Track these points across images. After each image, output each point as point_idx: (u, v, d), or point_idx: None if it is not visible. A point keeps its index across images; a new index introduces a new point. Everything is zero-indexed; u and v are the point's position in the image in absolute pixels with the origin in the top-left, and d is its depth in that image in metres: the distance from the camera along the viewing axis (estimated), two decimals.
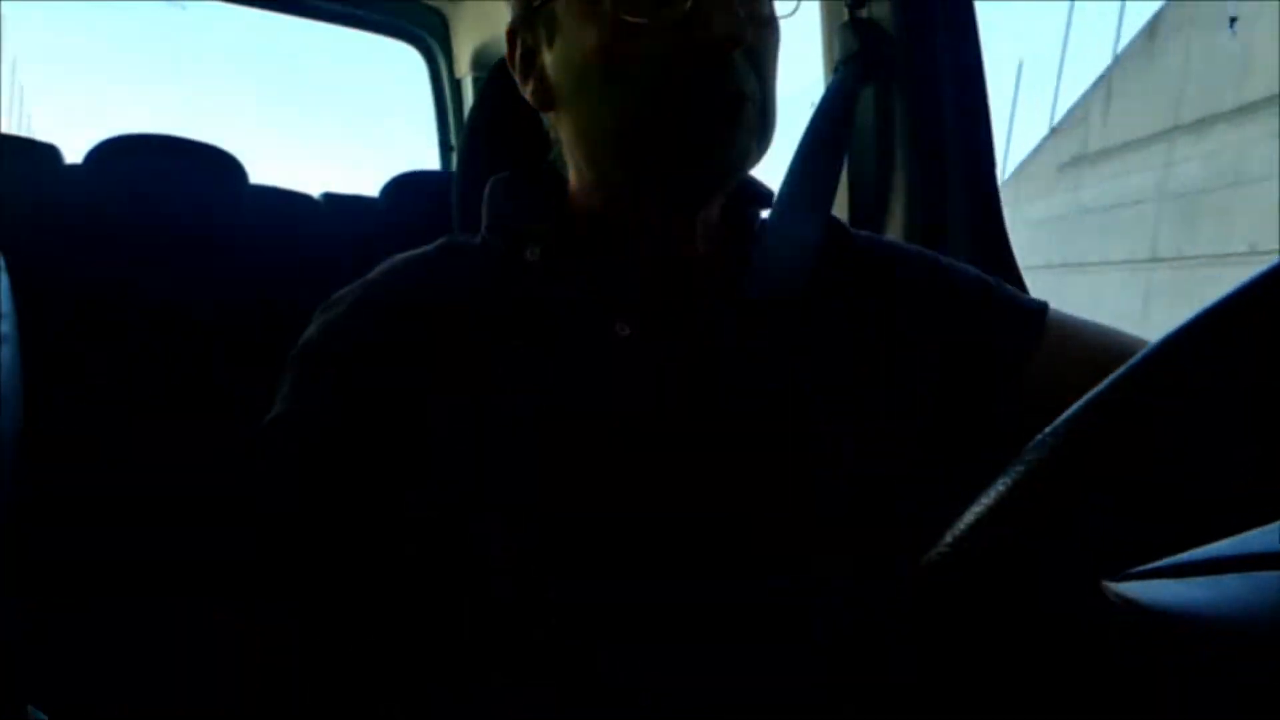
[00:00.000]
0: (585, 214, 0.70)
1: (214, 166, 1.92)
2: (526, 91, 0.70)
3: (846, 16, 1.17)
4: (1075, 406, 0.25)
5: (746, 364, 0.67)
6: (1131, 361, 0.24)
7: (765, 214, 0.77)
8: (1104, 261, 7.66)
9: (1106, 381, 0.25)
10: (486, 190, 0.72)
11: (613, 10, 0.61)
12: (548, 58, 0.68)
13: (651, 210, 0.68)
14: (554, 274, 0.67)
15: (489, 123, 0.87)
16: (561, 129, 0.70)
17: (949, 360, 0.75)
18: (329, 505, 0.62)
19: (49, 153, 1.81)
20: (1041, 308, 0.76)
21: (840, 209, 1.26)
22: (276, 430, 0.65)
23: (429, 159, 2.47)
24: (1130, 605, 0.27)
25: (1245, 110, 6.06)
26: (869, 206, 1.23)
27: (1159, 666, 0.26)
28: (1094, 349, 0.73)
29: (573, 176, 0.71)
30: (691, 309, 0.69)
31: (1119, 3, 8.62)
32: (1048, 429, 0.25)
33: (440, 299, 0.66)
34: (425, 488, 0.61)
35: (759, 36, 0.63)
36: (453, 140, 2.42)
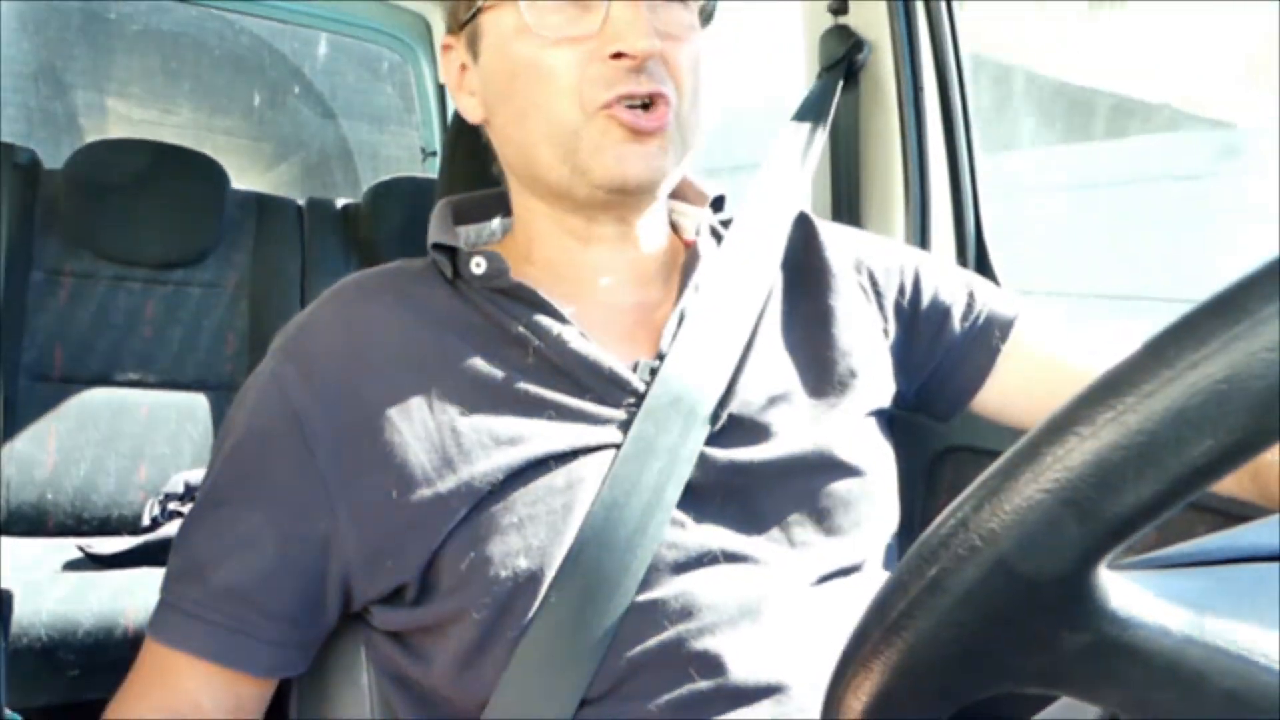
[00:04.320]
0: (525, 226, 0.72)
1: (196, 171, 1.91)
2: (460, 105, 0.73)
3: (830, 23, 1.18)
4: (1047, 418, 0.25)
5: (700, 359, 0.67)
6: (1095, 379, 0.25)
7: (716, 216, 0.78)
8: None
9: (1072, 397, 0.25)
10: (433, 213, 0.73)
11: (529, 25, 0.64)
12: (475, 72, 0.70)
13: (587, 218, 0.69)
14: (500, 285, 0.67)
15: (470, 128, 0.87)
16: (494, 141, 0.72)
17: (914, 351, 0.76)
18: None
19: (28, 158, 1.79)
20: (1012, 312, 0.76)
21: (823, 215, 1.26)
22: (225, 470, 0.66)
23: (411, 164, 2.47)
24: (1126, 595, 0.27)
25: None
26: (852, 215, 1.23)
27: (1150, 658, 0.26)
28: (1061, 358, 0.74)
29: (511, 188, 0.73)
30: (639, 308, 0.70)
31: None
32: (1025, 435, 0.25)
33: (393, 319, 0.67)
34: (386, 501, 0.61)
35: (673, 49, 0.65)
36: (436, 145, 2.42)
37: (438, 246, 0.69)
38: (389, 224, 1.97)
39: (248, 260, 1.91)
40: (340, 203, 2.09)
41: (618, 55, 0.63)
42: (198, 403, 1.85)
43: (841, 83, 1.13)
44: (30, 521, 1.69)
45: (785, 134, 0.93)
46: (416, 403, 0.63)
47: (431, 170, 2.43)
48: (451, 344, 0.65)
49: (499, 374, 0.64)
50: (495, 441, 0.61)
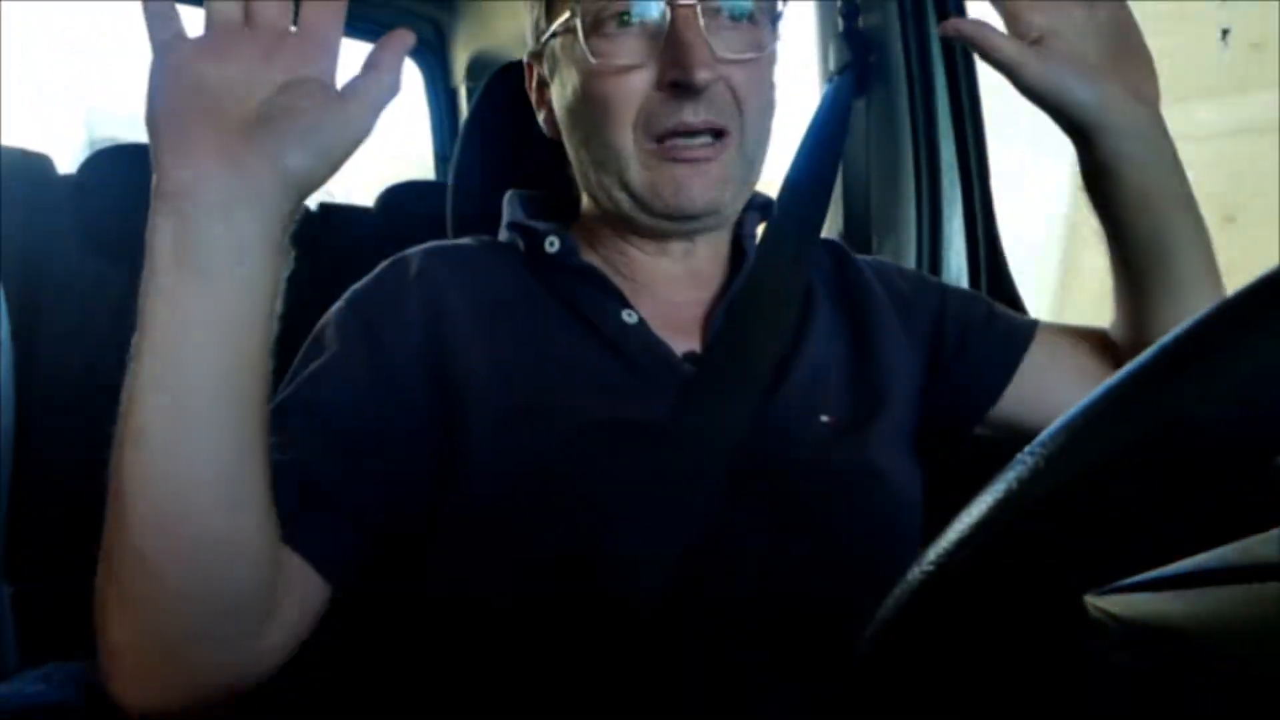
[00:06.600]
0: (594, 228, 0.74)
1: None
2: (540, 119, 0.75)
3: (842, 26, 1.18)
4: (1053, 426, 0.25)
5: (744, 355, 0.69)
6: (1110, 382, 0.24)
7: (762, 225, 0.79)
8: None
9: (1085, 401, 0.25)
10: (505, 200, 0.76)
11: (590, 56, 0.65)
12: (553, 90, 0.72)
13: (649, 232, 0.71)
14: (570, 266, 0.70)
15: (483, 132, 0.88)
16: (570, 155, 0.74)
17: (938, 368, 0.77)
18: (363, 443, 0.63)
19: (41, 163, 1.80)
20: (1031, 325, 0.78)
21: (835, 221, 1.26)
22: (318, 377, 0.65)
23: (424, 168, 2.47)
24: (1115, 620, 0.27)
25: None
26: (864, 219, 1.23)
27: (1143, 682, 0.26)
28: (1081, 367, 0.76)
29: (583, 197, 0.75)
30: (694, 305, 0.73)
31: None
32: (1027, 447, 0.25)
33: (480, 282, 0.70)
34: (454, 451, 0.63)
35: (738, 74, 0.65)
36: (448, 150, 2.43)
37: (513, 225, 0.73)
38: (402, 228, 1.96)
39: None
40: (353, 207, 2.09)
41: (675, 84, 0.63)
42: None
43: (854, 86, 1.12)
44: None
45: (804, 139, 0.93)
46: (483, 355, 0.65)
47: (443, 175, 2.43)
48: (519, 312, 0.69)
49: (560, 345, 0.67)
50: (550, 402, 0.64)
